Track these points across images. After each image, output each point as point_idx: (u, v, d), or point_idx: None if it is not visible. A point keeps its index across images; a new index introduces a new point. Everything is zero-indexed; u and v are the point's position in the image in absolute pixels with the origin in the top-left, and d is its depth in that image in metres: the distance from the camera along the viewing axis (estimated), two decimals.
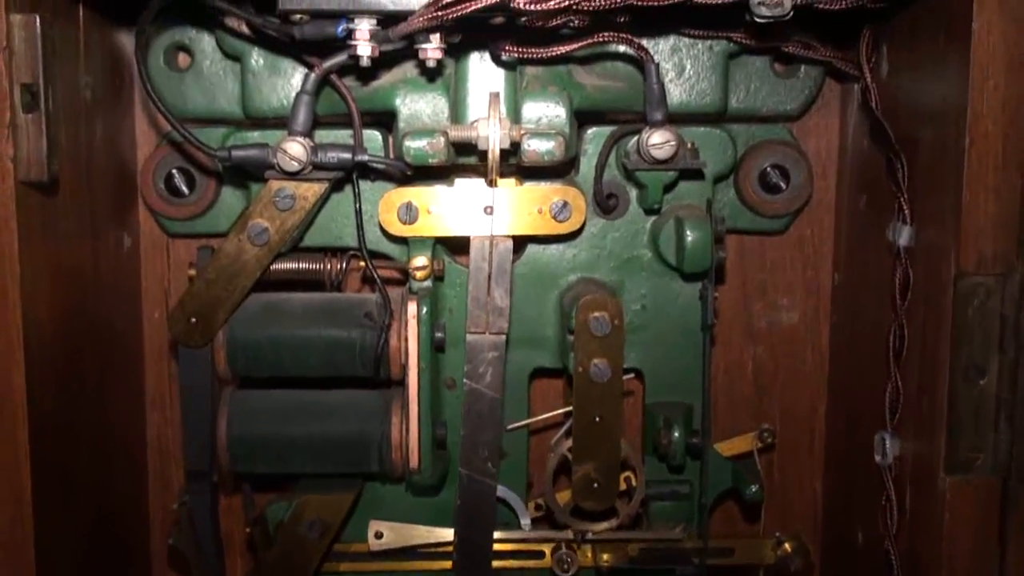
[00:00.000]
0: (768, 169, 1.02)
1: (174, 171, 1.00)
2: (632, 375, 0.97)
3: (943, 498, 0.81)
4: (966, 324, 0.80)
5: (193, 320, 0.92)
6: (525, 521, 1.00)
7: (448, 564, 1.00)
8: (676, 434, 0.97)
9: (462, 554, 0.95)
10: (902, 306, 0.88)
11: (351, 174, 0.92)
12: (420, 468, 0.94)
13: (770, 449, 1.07)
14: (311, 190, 0.91)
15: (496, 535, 0.98)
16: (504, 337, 0.93)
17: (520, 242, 0.98)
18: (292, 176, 0.89)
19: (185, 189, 1.01)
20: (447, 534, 0.97)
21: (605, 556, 0.99)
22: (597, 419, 0.93)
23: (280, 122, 0.91)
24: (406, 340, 0.93)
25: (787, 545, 1.00)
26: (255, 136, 0.95)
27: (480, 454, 0.94)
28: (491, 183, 0.91)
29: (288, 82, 0.93)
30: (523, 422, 1.00)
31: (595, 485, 0.94)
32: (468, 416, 0.93)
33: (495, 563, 0.99)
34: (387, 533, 0.98)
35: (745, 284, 1.09)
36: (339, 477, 0.98)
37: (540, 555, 1.01)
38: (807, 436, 1.11)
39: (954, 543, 0.82)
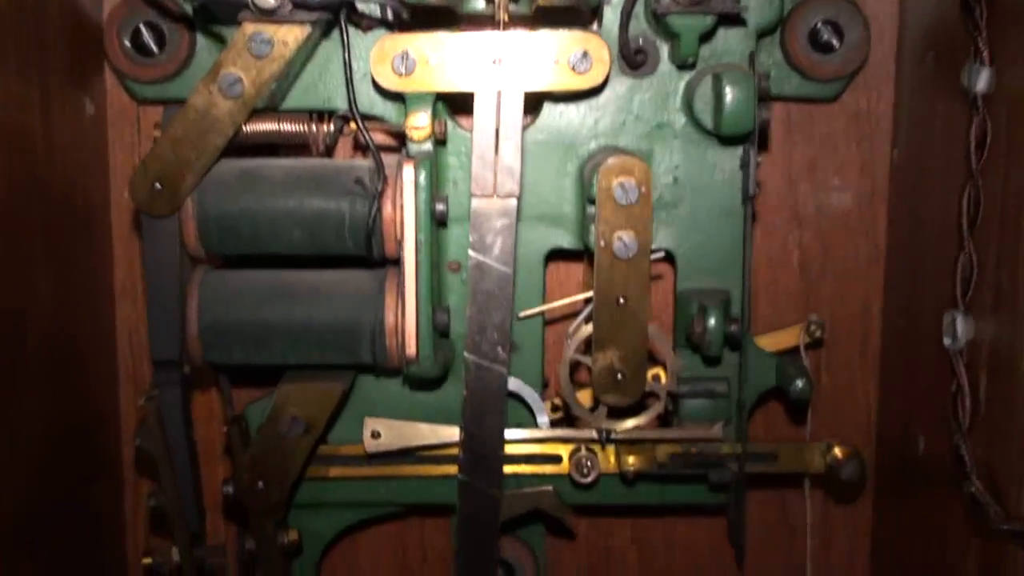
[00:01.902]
0: (819, 25, 0.89)
1: (142, 26, 0.88)
2: (661, 255, 0.84)
3: None
4: None
5: (157, 185, 0.81)
6: (542, 419, 0.88)
7: (455, 469, 0.88)
8: (712, 321, 0.84)
9: (470, 452, 0.83)
10: (978, 163, 0.75)
11: (339, 18, 0.80)
12: (419, 357, 0.82)
13: (818, 345, 0.95)
14: (291, 34, 0.78)
15: (506, 436, 0.86)
16: (515, 201, 0.80)
17: (534, 101, 0.85)
18: (269, 16, 0.77)
19: (154, 47, 0.89)
20: (454, 433, 0.85)
21: (630, 460, 0.87)
22: (621, 300, 0.80)
23: None
24: (402, 210, 0.81)
25: (837, 451, 0.87)
26: None
27: (489, 338, 0.82)
28: (499, 25, 0.78)
29: None
30: (537, 309, 0.88)
31: (619, 376, 0.82)
32: (475, 295, 0.81)
33: (505, 468, 0.87)
34: (385, 432, 0.87)
35: (791, 161, 0.96)
36: (328, 369, 0.86)
37: (557, 459, 0.89)
38: (859, 335, 0.99)
39: None
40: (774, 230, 0.97)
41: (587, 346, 0.83)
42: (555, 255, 0.90)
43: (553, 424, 0.90)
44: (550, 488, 0.88)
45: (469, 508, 0.84)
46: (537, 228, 0.88)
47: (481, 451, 0.83)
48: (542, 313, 0.89)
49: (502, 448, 0.84)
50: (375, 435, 0.86)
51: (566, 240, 0.88)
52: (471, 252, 0.81)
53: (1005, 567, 0.74)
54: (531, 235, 0.88)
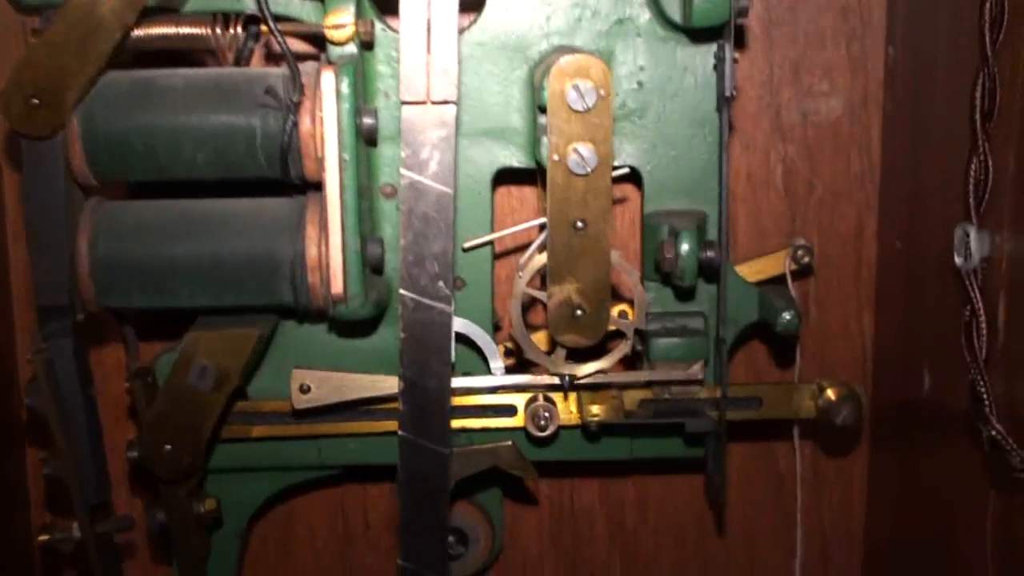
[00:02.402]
0: None
1: None
2: (626, 171, 0.73)
3: None
4: None
5: (34, 101, 0.68)
6: (496, 364, 0.76)
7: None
8: (685, 246, 0.73)
9: (411, 405, 0.71)
10: (993, 47, 0.64)
11: None
12: (346, 296, 0.71)
13: (806, 273, 0.84)
14: None
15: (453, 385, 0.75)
16: (453, 108, 0.68)
17: None
18: None
19: None
20: (396, 384, 0.73)
21: (594, 409, 0.76)
22: (579, 224, 0.69)
23: None
24: (322, 123, 0.69)
25: (831, 392, 0.76)
26: None
27: (428, 271, 0.70)
28: None
29: None
30: (484, 238, 0.76)
31: (578, 313, 0.71)
32: (409, 220, 0.69)
33: (453, 423, 0.76)
34: (316, 385, 0.75)
35: (772, 65, 0.85)
36: (245, 313, 0.75)
37: (511, 410, 0.77)
38: (852, 260, 0.88)
39: None
40: (754, 143, 0.85)
41: (542, 279, 0.71)
42: (505, 178, 0.79)
43: (508, 371, 0.79)
44: (509, 442, 0.77)
45: (413, 469, 0.73)
46: (482, 144, 0.76)
47: (424, 403, 0.72)
48: (490, 243, 0.77)
49: (448, 399, 0.73)
50: (304, 389, 0.75)
51: (516, 158, 0.77)
52: (403, 170, 0.69)
53: None
54: (475, 152, 0.76)
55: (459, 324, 0.75)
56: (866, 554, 0.92)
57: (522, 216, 0.85)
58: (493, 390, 0.77)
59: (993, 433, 0.62)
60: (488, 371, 0.77)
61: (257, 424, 0.78)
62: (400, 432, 0.72)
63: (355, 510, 0.92)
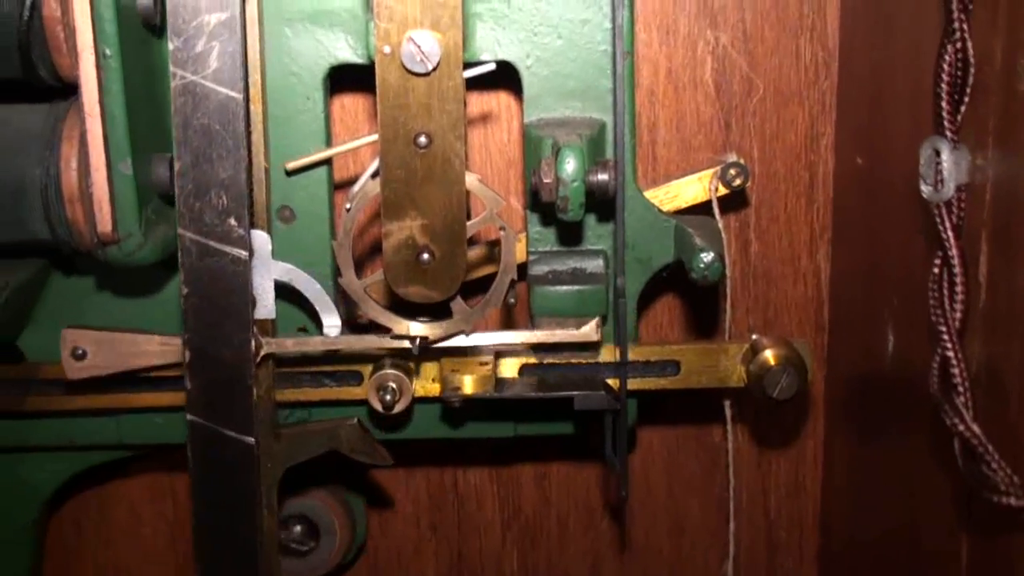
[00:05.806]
0: None
1: None
2: (491, 67, 0.54)
3: None
4: None
5: None
6: (331, 321, 0.58)
7: None
8: (570, 165, 0.55)
9: (200, 380, 0.54)
10: None
11: None
12: (118, 233, 0.53)
13: (741, 201, 0.66)
14: None
15: (267, 347, 0.57)
16: None
17: None
18: None
19: None
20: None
21: (458, 379, 0.58)
22: (421, 140, 0.51)
23: None
24: (72, 5, 0.51)
25: (769, 354, 0.59)
26: None
27: (213, 204, 0.52)
28: None
29: None
30: (312, 156, 0.58)
31: (424, 256, 0.53)
32: (184, 136, 0.52)
33: (286, 393, 0.59)
34: (93, 349, 0.57)
35: None
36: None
37: (356, 378, 0.60)
38: (802, 181, 0.69)
39: None
40: (675, 29, 0.67)
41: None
42: (345, 79, 0.60)
43: (357, 329, 0.61)
44: (354, 420, 0.59)
45: (210, 464, 0.56)
46: (310, 33, 0.58)
47: (218, 378, 0.54)
48: (326, 164, 0.59)
49: (251, 373, 0.55)
50: (79, 354, 0.57)
51: (352, 51, 0.58)
52: (173, 68, 0.51)
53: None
54: (301, 44, 0.58)
55: (280, 270, 0.57)
56: (822, 546, 0.75)
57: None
58: (328, 357, 0.59)
59: (967, 436, 0.45)
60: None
61: (34, 393, 0.61)
62: (188, 416, 0.55)
63: (186, 490, 0.74)
